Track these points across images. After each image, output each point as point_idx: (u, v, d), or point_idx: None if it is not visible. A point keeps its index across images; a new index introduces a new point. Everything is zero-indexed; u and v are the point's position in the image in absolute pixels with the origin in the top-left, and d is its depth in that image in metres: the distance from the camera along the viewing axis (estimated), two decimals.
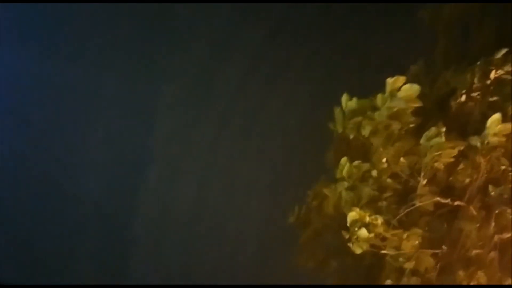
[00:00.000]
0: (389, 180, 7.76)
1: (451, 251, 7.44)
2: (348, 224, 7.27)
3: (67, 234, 22.95)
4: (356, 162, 7.65)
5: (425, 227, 7.58)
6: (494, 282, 6.85)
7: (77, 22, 23.23)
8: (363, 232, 6.95)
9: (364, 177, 7.66)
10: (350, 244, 7.27)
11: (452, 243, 7.51)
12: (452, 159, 7.26)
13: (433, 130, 7.04)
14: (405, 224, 7.47)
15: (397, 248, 7.32)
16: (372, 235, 7.08)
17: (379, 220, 7.22)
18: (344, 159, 7.67)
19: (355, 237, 7.09)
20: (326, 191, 8.35)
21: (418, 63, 9.39)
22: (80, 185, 23.28)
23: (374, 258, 8.07)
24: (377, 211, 7.50)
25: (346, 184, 7.57)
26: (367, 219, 7.07)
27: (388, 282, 7.47)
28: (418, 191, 7.58)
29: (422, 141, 7.10)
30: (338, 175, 7.82)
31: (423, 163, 7.23)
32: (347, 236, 7.29)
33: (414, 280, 7.03)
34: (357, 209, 7.16)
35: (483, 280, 6.81)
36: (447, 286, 7.75)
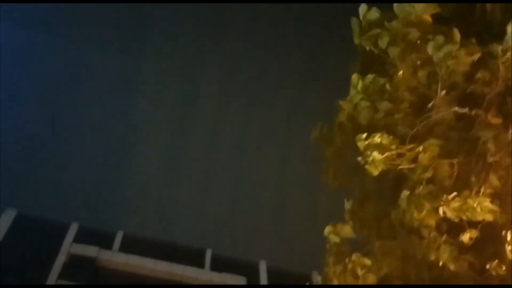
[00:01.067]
0: (405, 93, 7.69)
1: (468, 160, 7.47)
2: (361, 150, 7.30)
3: None
4: (370, 76, 7.56)
5: (442, 137, 7.57)
6: (507, 186, 6.94)
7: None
8: (376, 155, 6.97)
9: (381, 91, 7.59)
10: (366, 167, 7.33)
11: (469, 151, 7.52)
12: (469, 68, 7.09)
13: (440, 38, 6.77)
14: (421, 137, 7.48)
15: (414, 161, 7.39)
16: (386, 154, 7.11)
17: (391, 139, 7.22)
18: (354, 76, 7.58)
19: (370, 159, 7.13)
20: (342, 103, 8.31)
21: None
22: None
23: (394, 173, 8.17)
24: (391, 128, 7.52)
25: (361, 95, 7.51)
26: (378, 140, 7.06)
27: (405, 192, 7.58)
28: (436, 102, 7.51)
29: (430, 50, 6.88)
30: (352, 92, 7.76)
31: (440, 73, 7.08)
32: (362, 162, 7.35)
33: (431, 188, 7.14)
34: (363, 137, 7.13)
35: (495, 184, 6.90)
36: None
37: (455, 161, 7.21)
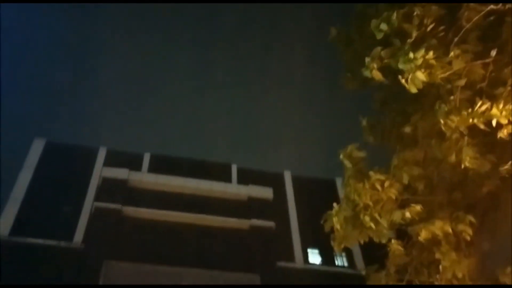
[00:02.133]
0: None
1: (501, 57, 7.16)
2: (403, 68, 6.98)
3: None
4: None
5: (475, 40, 7.25)
6: None
7: None
8: (420, 75, 6.69)
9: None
10: (405, 84, 7.06)
11: (502, 48, 7.21)
12: None
13: None
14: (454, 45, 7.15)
15: (449, 69, 7.12)
16: (428, 71, 6.80)
17: (431, 53, 6.88)
18: None
19: (410, 77, 6.86)
20: (369, 11, 7.96)
21: None
22: None
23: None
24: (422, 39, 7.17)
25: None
26: (420, 60, 6.73)
27: (439, 102, 7.32)
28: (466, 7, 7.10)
29: None
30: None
31: None
32: (402, 80, 7.07)
33: (466, 94, 6.93)
34: (411, 56, 6.79)
35: None
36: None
37: (488, 60, 6.90)
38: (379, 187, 6.54)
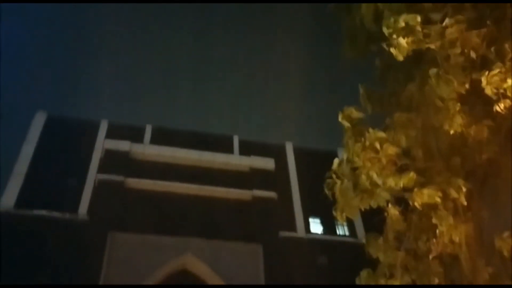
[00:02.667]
0: None
1: (497, 28, 7.06)
2: (387, 34, 6.93)
3: None
4: None
5: (470, 9, 7.11)
6: None
7: None
8: (401, 41, 6.63)
9: None
10: (392, 50, 7.01)
11: (498, 18, 7.11)
12: None
13: None
14: (449, 12, 7.04)
15: (441, 36, 7.03)
16: (411, 38, 6.75)
17: (418, 18, 6.79)
18: None
19: (395, 43, 6.81)
20: None
21: None
22: None
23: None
24: (416, 7, 7.07)
25: None
26: (403, 24, 6.67)
27: (433, 70, 7.27)
28: None
29: None
30: None
31: None
32: (387, 47, 7.00)
33: (460, 61, 6.81)
34: (391, 22, 6.70)
35: None
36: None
37: (484, 30, 6.81)
38: (378, 146, 6.55)
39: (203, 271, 24.74)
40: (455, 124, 6.31)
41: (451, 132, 6.40)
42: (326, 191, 7.39)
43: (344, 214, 7.53)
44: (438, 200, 6.65)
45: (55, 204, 24.58)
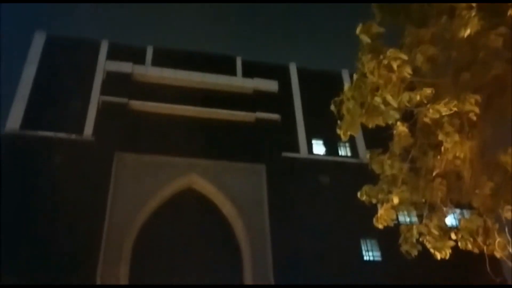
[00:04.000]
0: None
1: None
2: None
3: None
4: None
5: None
6: None
7: None
8: None
9: None
10: None
11: None
12: None
13: None
14: None
15: None
16: None
17: None
18: None
19: None
20: None
21: None
22: None
23: None
24: None
25: None
26: None
27: None
28: None
29: None
30: None
31: None
32: None
33: None
34: None
35: None
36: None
37: None
38: (395, 66, 6.37)
39: (208, 190, 25.43)
40: (471, 26, 6.07)
41: (465, 35, 6.17)
42: (333, 108, 7.31)
43: (348, 132, 7.49)
44: (450, 111, 6.60)
45: (60, 125, 24.74)
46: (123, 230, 23.04)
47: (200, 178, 25.42)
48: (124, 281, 22.12)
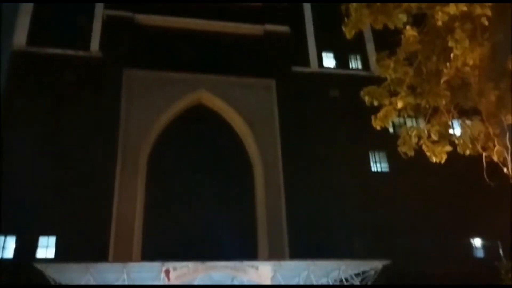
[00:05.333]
0: None
1: None
2: None
3: None
4: None
5: None
6: None
7: None
8: None
9: None
10: None
11: None
12: None
13: None
14: None
15: None
16: None
17: None
18: None
19: None
20: None
21: None
22: None
23: None
24: None
25: None
26: None
27: None
28: None
29: None
30: None
31: None
32: None
33: None
34: None
35: None
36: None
37: None
38: None
39: (218, 105, 25.59)
40: None
41: None
42: (342, 9, 7.07)
43: (353, 31, 7.24)
44: (458, 15, 6.40)
45: (66, 41, 24.47)
46: (138, 146, 23.63)
47: (209, 94, 25.49)
48: (141, 192, 23.11)
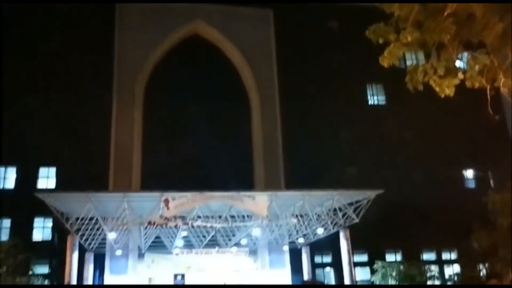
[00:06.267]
0: None
1: None
2: None
3: None
4: None
5: None
6: None
7: None
8: None
9: None
10: None
11: None
12: None
13: None
14: None
15: None
16: None
17: None
18: None
19: None
20: None
21: None
22: None
23: None
24: None
25: None
26: None
27: None
28: None
29: None
30: None
31: None
32: None
33: None
34: None
35: None
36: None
37: None
38: None
39: (214, 36, 25.10)
40: None
41: None
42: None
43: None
44: None
45: None
46: (133, 78, 23.36)
47: (205, 25, 24.87)
48: (138, 122, 23.18)
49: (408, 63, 21.63)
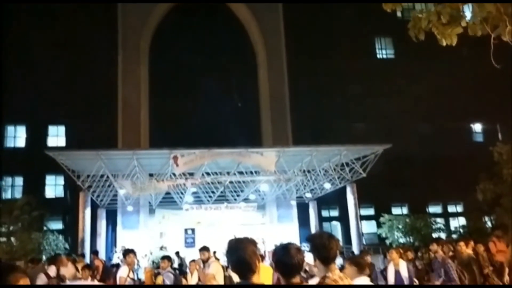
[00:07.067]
0: None
1: None
2: None
3: None
4: None
5: None
6: None
7: None
8: None
9: None
10: None
11: None
12: None
13: None
14: None
15: None
16: None
17: None
18: None
19: None
20: None
21: None
22: None
23: None
24: None
25: None
26: None
27: None
28: None
29: None
30: None
31: None
32: None
33: None
34: None
35: None
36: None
37: None
38: None
39: None
40: None
41: None
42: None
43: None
44: None
45: None
46: (138, 33, 23.13)
47: None
48: (144, 80, 23.13)
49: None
